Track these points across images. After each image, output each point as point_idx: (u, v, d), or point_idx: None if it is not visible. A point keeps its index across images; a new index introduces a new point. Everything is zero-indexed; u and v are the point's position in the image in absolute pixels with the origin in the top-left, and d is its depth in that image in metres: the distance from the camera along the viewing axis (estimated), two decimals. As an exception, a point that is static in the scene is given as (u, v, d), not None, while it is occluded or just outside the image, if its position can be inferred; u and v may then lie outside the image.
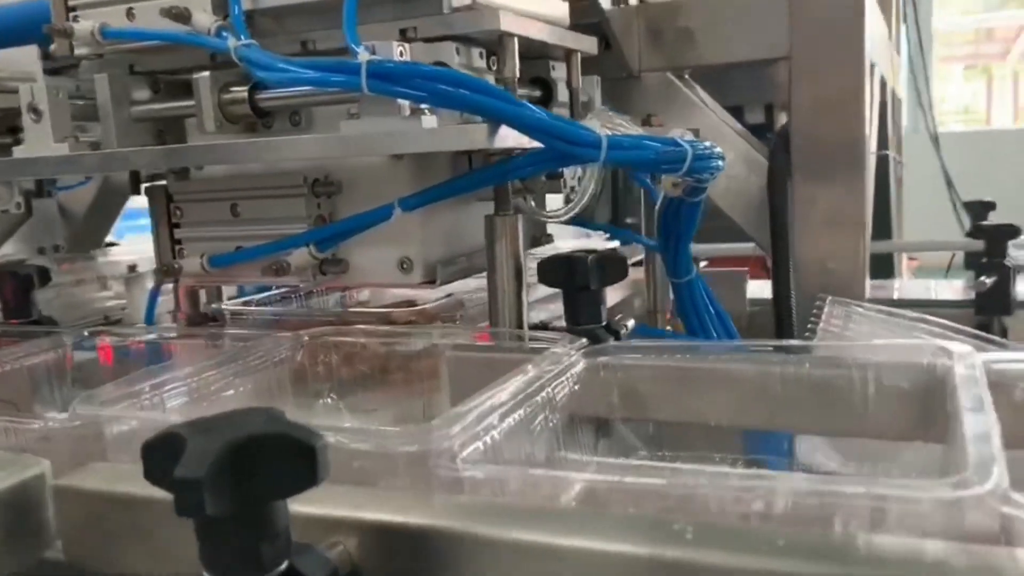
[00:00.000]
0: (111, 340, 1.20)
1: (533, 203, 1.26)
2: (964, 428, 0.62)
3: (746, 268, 2.36)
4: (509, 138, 0.98)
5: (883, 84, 2.60)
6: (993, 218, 2.31)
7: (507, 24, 1.09)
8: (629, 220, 2.08)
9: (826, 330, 1.49)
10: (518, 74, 1.14)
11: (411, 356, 1.13)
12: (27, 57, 2.05)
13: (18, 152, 1.22)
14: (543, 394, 0.80)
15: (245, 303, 1.42)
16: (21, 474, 0.76)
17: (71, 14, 1.24)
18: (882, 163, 2.73)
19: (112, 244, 2.88)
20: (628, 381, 0.92)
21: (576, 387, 0.88)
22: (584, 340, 0.94)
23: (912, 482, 0.58)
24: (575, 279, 1.08)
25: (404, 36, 1.09)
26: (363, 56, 0.92)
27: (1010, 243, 2.08)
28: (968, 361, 0.78)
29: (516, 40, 1.13)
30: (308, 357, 1.07)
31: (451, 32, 1.09)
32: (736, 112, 2.66)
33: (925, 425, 0.82)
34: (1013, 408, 0.78)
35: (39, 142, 1.20)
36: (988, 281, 2.02)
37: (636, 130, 1.11)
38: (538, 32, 1.19)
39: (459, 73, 0.99)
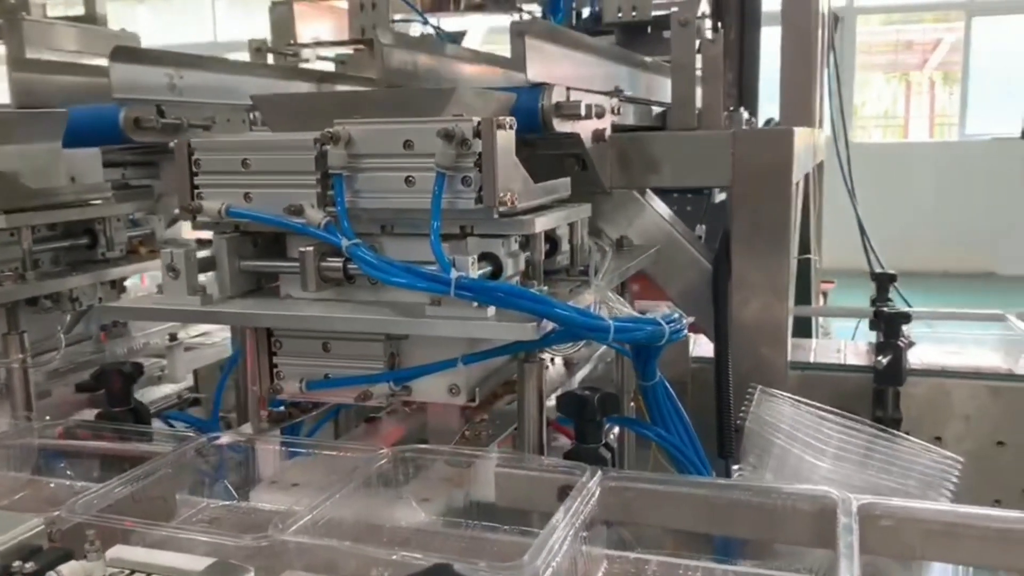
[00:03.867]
0: (227, 440, 1.60)
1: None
2: (840, 567, 1.08)
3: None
4: (548, 327, 1.40)
5: (806, 179, 3.10)
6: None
7: (538, 226, 1.52)
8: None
9: (755, 416, 1.99)
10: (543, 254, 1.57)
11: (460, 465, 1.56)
12: (91, 161, 2.40)
13: (158, 301, 1.59)
14: (582, 516, 1.23)
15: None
16: (241, 578, 1.16)
17: (195, 191, 1.60)
18: (804, 242, 3.24)
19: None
20: (626, 500, 1.36)
21: (596, 506, 1.31)
22: (600, 472, 1.36)
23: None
24: (586, 412, 1.51)
25: (463, 231, 1.51)
26: (454, 275, 1.33)
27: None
28: (847, 508, 1.24)
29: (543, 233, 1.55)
30: (391, 466, 1.48)
31: (498, 232, 1.50)
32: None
33: (822, 538, 1.28)
34: (875, 531, 1.24)
35: (176, 295, 1.56)
36: (884, 360, 2.54)
37: (627, 309, 1.53)
38: (556, 222, 1.62)
39: (515, 287, 1.41)
